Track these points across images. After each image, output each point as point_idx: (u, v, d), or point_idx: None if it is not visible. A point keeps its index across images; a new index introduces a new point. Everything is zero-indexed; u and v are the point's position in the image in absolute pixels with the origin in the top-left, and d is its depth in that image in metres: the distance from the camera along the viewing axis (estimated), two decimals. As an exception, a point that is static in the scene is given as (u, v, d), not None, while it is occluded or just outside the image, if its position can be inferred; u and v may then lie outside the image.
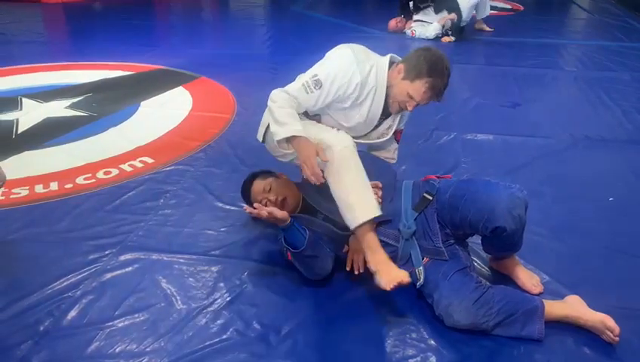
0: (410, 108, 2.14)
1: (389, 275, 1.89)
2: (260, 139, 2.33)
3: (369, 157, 2.24)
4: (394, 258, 2.02)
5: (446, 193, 2.04)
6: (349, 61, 2.09)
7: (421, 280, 1.96)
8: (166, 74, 4.63)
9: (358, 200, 1.97)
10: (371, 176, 2.06)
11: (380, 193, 2.09)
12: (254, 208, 1.98)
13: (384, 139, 2.32)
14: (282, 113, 2.05)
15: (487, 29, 6.45)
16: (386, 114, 2.23)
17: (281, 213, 1.97)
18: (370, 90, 2.11)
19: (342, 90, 2.07)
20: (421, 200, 2.07)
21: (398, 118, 2.29)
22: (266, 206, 2.03)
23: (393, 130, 2.31)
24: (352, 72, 2.07)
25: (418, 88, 2.08)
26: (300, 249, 1.98)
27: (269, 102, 2.12)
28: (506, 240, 1.95)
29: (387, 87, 2.14)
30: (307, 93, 2.07)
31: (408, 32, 6.12)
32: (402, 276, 1.87)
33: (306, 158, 2.00)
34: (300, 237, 1.98)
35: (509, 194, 1.89)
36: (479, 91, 4.32)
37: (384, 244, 2.02)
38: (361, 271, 2.08)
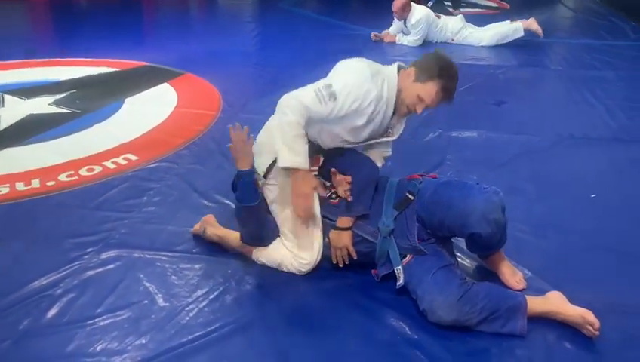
0: (419, 111, 2.12)
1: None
2: (263, 171, 2.16)
3: (349, 153, 2.18)
4: (371, 254, 2.06)
5: (426, 195, 2.04)
6: (363, 75, 2.03)
7: (400, 280, 1.97)
8: (151, 70, 4.59)
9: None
10: (347, 170, 2.09)
11: (347, 187, 2.07)
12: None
13: (391, 138, 2.23)
14: (291, 136, 1.97)
15: None
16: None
17: (247, 156, 2.01)
18: (384, 103, 2.07)
19: (356, 103, 2.00)
20: (402, 200, 2.07)
21: (404, 120, 2.24)
22: None
23: (400, 132, 2.24)
24: (367, 87, 2.01)
25: (429, 90, 2.06)
26: (250, 204, 2.03)
27: (281, 115, 2.01)
28: (486, 243, 1.98)
29: (397, 92, 2.10)
30: (321, 103, 1.98)
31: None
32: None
33: (297, 196, 2.01)
34: (255, 195, 2.03)
35: (484, 199, 1.90)
36: (465, 89, 4.32)
37: (362, 240, 2.07)
38: (346, 262, 2.10)
